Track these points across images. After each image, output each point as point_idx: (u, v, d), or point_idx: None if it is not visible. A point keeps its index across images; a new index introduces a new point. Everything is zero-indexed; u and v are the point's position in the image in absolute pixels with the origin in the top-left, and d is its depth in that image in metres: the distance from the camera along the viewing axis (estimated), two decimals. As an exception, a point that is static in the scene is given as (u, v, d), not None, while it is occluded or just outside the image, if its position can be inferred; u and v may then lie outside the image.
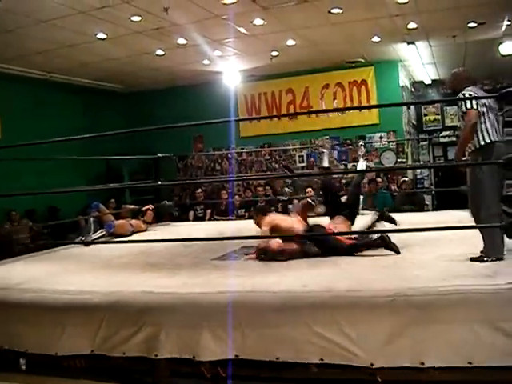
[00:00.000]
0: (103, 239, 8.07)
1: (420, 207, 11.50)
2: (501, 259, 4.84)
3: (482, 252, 4.97)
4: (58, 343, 4.42)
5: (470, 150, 5.11)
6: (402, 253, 5.66)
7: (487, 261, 4.83)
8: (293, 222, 6.83)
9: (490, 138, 4.98)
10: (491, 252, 4.89)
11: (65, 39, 9.98)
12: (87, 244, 7.76)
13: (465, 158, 5.25)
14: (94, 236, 8.07)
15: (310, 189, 11.75)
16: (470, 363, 3.55)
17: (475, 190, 5.05)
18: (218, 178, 15.66)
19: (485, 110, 5.04)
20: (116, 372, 4.44)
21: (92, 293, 4.65)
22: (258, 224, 6.85)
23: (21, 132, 11.07)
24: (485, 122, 5.01)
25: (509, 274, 4.07)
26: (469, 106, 4.95)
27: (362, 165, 8.20)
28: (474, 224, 5.17)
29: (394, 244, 5.69)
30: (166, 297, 4.37)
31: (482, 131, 4.99)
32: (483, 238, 4.96)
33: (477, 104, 4.96)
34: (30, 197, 10.88)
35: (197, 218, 12.54)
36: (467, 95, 5.11)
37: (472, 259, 4.96)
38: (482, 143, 4.99)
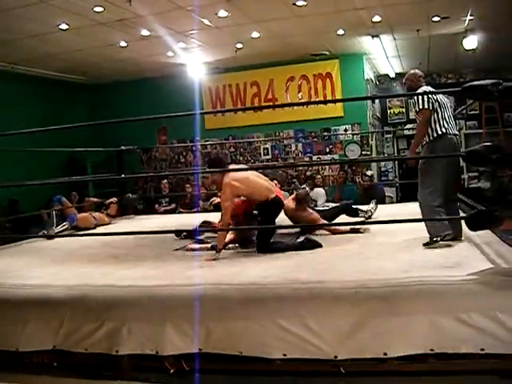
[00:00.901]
0: (66, 232, 7.98)
1: (380, 200, 11.62)
2: (450, 235, 5.26)
3: (429, 237, 5.32)
4: (20, 339, 4.34)
5: (423, 143, 5.55)
6: (366, 244, 5.71)
7: (437, 241, 5.20)
8: None
9: (441, 130, 5.43)
10: (434, 232, 5.27)
11: (26, 29, 9.78)
12: (50, 237, 7.70)
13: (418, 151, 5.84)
14: (57, 229, 7.99)
15: (276, 181, 11.77)
16: (431, 350, 3.58)
17: (422, 178, 5.51)
18: (182, 171, 15.57)
19: (437, 105, 5.48)
20: (79, 367, 4.38)
21: (54, 287, 4.60)
22: None
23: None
24: (437, 116, 5.45)
25: (469, 266, 4.13)
26: (421, 106, 5.42)
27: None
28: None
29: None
30: (128, 290, 4.34)
31: (434, 124, 5.45)
32: (426, 223, 5.42)
33: (428, 103, 5.42)
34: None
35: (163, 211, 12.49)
36: (422, 93, 5.50)
37: (424, 244, 5.29)
38: (435, 135, 5.43)
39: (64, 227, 8.06)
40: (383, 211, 8.38)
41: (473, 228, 4.06)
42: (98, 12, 9.11)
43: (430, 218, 5.37)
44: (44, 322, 4.31)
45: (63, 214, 8.68)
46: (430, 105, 5.43)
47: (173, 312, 4.07)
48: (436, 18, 10.49)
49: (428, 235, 5.37)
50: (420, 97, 5.44)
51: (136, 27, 10.15)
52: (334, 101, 15.03)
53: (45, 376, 4.23)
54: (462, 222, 5.02)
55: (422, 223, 5.45)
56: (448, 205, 5.49)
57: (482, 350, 3.52)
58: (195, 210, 12.12)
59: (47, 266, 5.71)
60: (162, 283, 4.46)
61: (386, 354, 3.65)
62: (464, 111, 15.39)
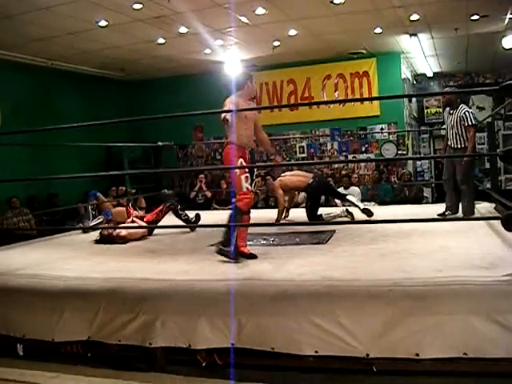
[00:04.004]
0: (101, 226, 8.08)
1: (418, 199, 11.58)
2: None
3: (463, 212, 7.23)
4: (55, 329, 4.42)
5: (460, 146, 7.29)
6: (400, 243, 5.69)
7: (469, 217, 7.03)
8: None
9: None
10: (470, 211, 7.18)
11: (66, 26, 9.93)
12: (86, 230, 7.82)
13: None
14: (92, 223, 8.10)
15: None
16: (465, 354, 3.55)
17: (467, 172, 7.20)
18: (219, 167, 15.63)
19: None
20: (112, 359, 4.44)
21: (90, 279, 4.67)
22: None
23: (21, 119, 11.07)
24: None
25: (505, 267, 4.08)
26: (470, 122, 7.14)
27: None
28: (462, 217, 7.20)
29: None
30: (163, 284, 4.37)
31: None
32: (465, 200, 7.23)
33: (475, 120, 7.30)
34: (30, 184, 10.88)
35: (198, 206, 12.53)
36: (468, 112, 7.23)
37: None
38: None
39: (99, 221, 8.16)
40: (413, 210, 8.38)
41: (509, 228, 4.01)
42: (136, 9, 9.20)
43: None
44: (79, 313, 4.38)
45: (99, 208, 8.79)
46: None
47: (206, 306, 4.09)
48: (475, 17, 10.38)
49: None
50: (470, 114, 7.20)
51: (174, 24, 10.23)
52: (371, 99, 14.94)
53: (79, 366, 4.28)
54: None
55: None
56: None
57: (517, 353, 3.49)
58: (231, 206, 12.15)
59: (83, 259, 5.80)
60: (196, 278, 4.50)
61: (418, 354, 3.62)
62: (502, 111, 15.20)
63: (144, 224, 7.43)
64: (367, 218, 7.45)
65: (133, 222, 7.46)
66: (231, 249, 5.21)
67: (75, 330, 4.37)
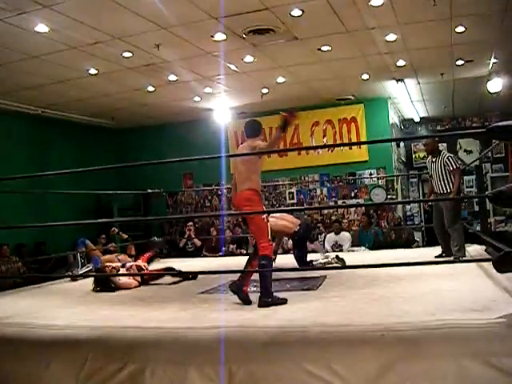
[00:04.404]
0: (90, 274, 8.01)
1: (409, 242, 11.60)
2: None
3: (454, 255, 7.26)
4: (43, 379, 4.31)
5: (446, 191, 7.51)
6: (392, 287, 5.65)
7: (459, 259, 6.91)
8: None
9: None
10: (462, 254, 7.26)
11: (56, 74, 10.02)
12: (74, 279, 7.74)
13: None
14: (81, 271, 8.02)
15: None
16: (460, 399, 3.49)
17: (453, 214, 7.41)
18: (209, 214, 15.63)
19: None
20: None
21: (77, 327, 4.58)
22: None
23: (9, 167, 11.05)
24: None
25: (498, 309, 4.04)
26: (455, 166, 7.49)
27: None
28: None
29: None
30: (151, 332, 4.29)
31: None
32: (454, 244, 7.32)
33: (458, 163, 7.75)
34: (18, 231, 10.79)
35: (187, 254, 12.46)
36: (450, 157, 7.61)
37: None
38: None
39: (88, 269, 8.09)
40: (404, 254, 8.41)
41: (500, 270, 3.99)
42: (126, 57, 9.31)
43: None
44: (66, 363, 4.27)
45: (88, 256, 8.72)
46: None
47: (196, 354, 4.01)
48: (460, 62, 10.57)
49: (458, 281, 5.64)
50: (452, 158, 7.58)
51: (163, 72, 10.35)
52: (359, 143, 15.08)
53: (67, 418, 4.18)
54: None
55: (447, 266, 5.43)
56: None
57: (513, 396, 3.43)
58: (221, 253, 12.13)
59: (71, 307, 5.71)
60: (186, 325, 4.42)
61: (412, 399, 3.56)
62: (489, 154, 15.34)
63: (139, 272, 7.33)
64: (358, 263, 7.41)
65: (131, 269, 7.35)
66: (271, 297, 5.18)
67: (62, 381, 4.26)
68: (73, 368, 4.24)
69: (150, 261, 7.87)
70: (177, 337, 4.18)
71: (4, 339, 4.62)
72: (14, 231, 10.46)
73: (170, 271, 7.29)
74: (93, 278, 6.96)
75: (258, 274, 5.59)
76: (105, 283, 6.74)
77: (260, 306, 5.12)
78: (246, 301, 5.36)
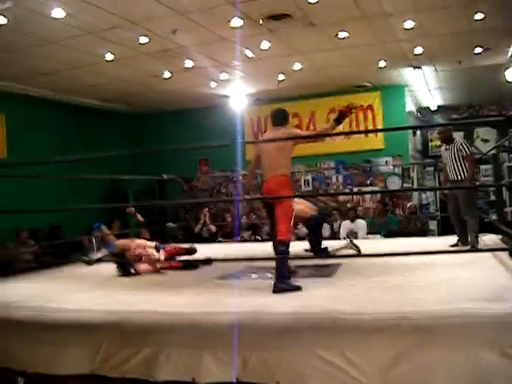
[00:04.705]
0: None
1: (424, 231, 11.57)
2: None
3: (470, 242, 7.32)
4: (57, 362, 4.36)
5: (461, 178, 7.46)
6: (406, 276, 5.63)
7: (474, 246, 7.17)
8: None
9: None
10: (476, 241, 7.24)
11: (72, 60, 10.04)
12: (90, 263, 7.77)
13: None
14: (97, 256, 8.06)
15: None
16: (475, 389, 3.49)
17: (469, 202, 7.41)
18: (223, 199, 15.65)
19: None
20: (116, 393, 4.38)
21: (93, 312, 4.61)
22: None
23: (26, 151, 11.11)
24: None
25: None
26: (468, 151, 7.48)
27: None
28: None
29: None
30: (166, 317, 4.32)
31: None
32: (470, 233, 7.34)
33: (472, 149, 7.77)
34: (34, 216, 10.87)
35: (202, 240, 12.49)
36: (463, 143, 7.60)
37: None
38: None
39: (104, 254, 8.12)
40: (418, 243, 8.42)
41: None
42: (143, 43, 9.29)
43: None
44: (82, 347, 4.33)
45: (103, 241, 8.74)
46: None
47: (211, 339, 4.04)
48: (478, 50, 10.46)
49: (472, 270, 5.63)
50: (466, 145, 7.55)
51: (180, 58, 10.32)
52: (375, 130, 14.99)
53: (81, 401, 4.23)
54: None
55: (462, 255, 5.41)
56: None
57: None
58: (235, 239, 12.15)
59: (87, 291, 5.74)
60: (201, 310, 4.44)
61: (426, 388, 3.57)
62: (506, 143, 15.21)
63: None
64: (373, 252, 7.38)
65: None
66: (286, 282, 5.20)
67: (78, 364, 4.31)
68: (89, 352, 4.30)
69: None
70: (192, 322, 4.21)
71: (19, 322, 4.68)
72: (29, 216, 10.55)
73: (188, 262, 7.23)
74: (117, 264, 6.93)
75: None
76: (126, 268, 6.76)
77: (275, 291, 5.11)
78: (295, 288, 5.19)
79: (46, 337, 4.49)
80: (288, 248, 5.46)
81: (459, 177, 7.47)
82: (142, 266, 6.84)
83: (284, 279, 5.22)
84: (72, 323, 4.48)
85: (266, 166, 5.82)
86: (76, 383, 4.35)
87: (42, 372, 4.41)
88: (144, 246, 7.27)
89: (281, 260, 5.33)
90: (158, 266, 6.98)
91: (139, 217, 9.15)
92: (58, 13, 7.74)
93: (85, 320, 4.48)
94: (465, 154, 7.45)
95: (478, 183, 11.75)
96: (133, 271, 6.72)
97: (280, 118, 6.13)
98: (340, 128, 13.36)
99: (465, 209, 7.39)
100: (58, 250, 11.64)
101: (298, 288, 5.16)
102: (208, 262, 7.15)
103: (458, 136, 7.90)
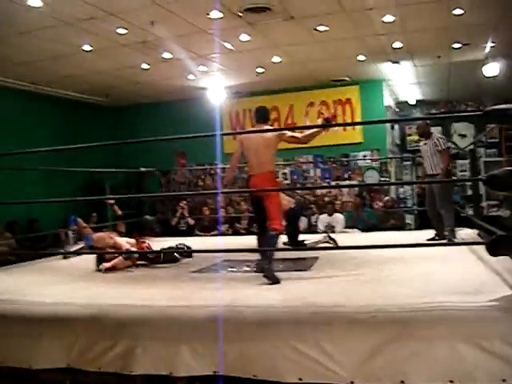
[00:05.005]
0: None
1: (401, 225, 11.63)
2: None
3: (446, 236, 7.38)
4: (33, 356, 4.33)
5: (437, 172, 7.54)
6: (383, 269, 5.66)
7: (450, 240, 7.23)
8: None
9: None
10: (452, 236, 7.33)
11: (50, 50, 9.93)
12: (67, 256, 7.72)
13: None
14: (73, 249, 8.00)
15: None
16: (451, 382, 3.49)
17: (445, 196, 7.48)
18: (203, 192, 15.61)
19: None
20: (92, 387, 4.35)
21: (69, 304, 4.58)
22: None
23: (2, 142, 10.98)
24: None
25: (488, 292, 4.05)
26: (444, 146, 7.58)
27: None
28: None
29: None
30: (143, 310, 4.30)
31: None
32: (446, 224, 7.41)
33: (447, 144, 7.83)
34: (10, 209, 10.76)
35: (180, 233, 12.44)
36: (440, 138, 7.73)
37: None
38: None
39: (80, 247, 8.07)
40: (396, 237, 8.48)
41: (493, 253, 3.99)
42: (121, 34, 9.22)
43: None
44: (58, 340, 4.29)
45: (80, 234, 8.69)
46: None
47: (187, 333, 4.03)
48: (457, 45, 10.52)
49: (449, 264, 5.68)
50: (442, 139, 7.68)
51: (158, 49, 10.26)
52: (353, 124, 15.04)
53: (58, 395, 4.20)
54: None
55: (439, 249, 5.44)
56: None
57: (504, 380, 3.43)
58: (217, 232, 12.13)
59: (63, 284, 5.70)
60: (178, 303, 4.42)
61: (403, 382, 3.56)
62: (483, 139, 15.34)
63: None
64: (350, 244, 7.40)
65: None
66: (271, 268, 5.38)
67: (54, 357, 4.28)
68: (65, 345, 4.28)
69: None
70: (169, 315, 4.19)
71: (-5, 315, 4.63)
72: (6, 208, 10.44)
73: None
74: (95, 257, 6.82)
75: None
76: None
77: (257, 271, 5.61)
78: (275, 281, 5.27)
79: (21, 330, 4.45)
80: (278, 237, 5.83)
81: (435, 170, 7.57)
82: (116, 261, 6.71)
83: (269, 261, 5.42)
84: (48, 316, 4.44)
85: (254, 161, 6.01)
86: (52, 377, 4.32)
87: (18, 366, 4.37)
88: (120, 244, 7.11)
89: (272, 245, 5.64)
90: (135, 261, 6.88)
91: (117, 209, 9.09)
92: (34, 2, 7.65)
93: (61, 313, 4.44)
94: (440, 148, 7.56)
95: (454, 178, 11.86)
96: (107, 265, 6.59)
97: (263, 115, 6.32)
98: (318, 122, 13.49)
99: (440, 203, 7.47)
100: (35, 243, 11.55)
101: (277, 281, 5.19)
102: (188, 253, 7.16)
103: (436, 131, 7.89)
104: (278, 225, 5.80)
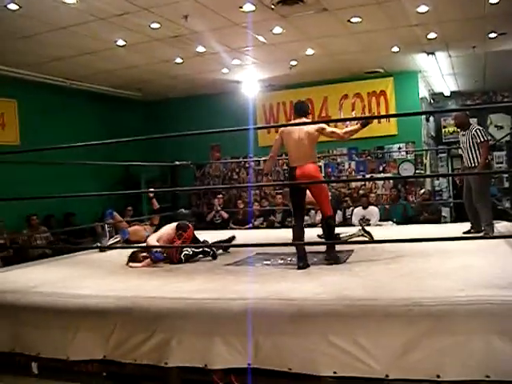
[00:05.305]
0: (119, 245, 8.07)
1: (437, 218, 11.52)
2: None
3: (484, 230, 7.20)
4: (70, 348, 4.39)
5: (475, 164, 7.33)
6: (419, 262, 5.62)
7: (488, 235, 6.95)
8: None
9: None
10: (490, 230, 7.11)
11: (84, 46, 10.04)
12: (103, 249, 7.81)
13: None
14: (110, 242, 8.10)
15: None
16: (487, 377, 3.46)
17: (482, 189, 7.25)
18: (236, 185, 15.65)
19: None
20: (128, 378, 4.40)
21: (105, 297, 4.63)
22: None
23: (39, 138, 11.13)
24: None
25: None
26: (482, 138, 7.27)
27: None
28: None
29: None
30: (178, 302, 4.32)
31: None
32: (483, 219, 7.23)
33: (487, 136, 7.48)
34: (48, 202, 10.90)
35: (215, 226, 12.51)
36: (479, 129, 7.36)
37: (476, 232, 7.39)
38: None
39: (116, 240, 8.16)
40: (431, 230, 8.42)
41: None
42: (154, 28, 9.27)
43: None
44: (94, 332, 4.35)
45: (115, 227, 8.79)
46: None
47: (222, 325, 4.05)
48: (492, 35, 10.36)
49: (486, 257, 5.60)
50: (481, 131, 7.34)
51: (191, 43, 10.29)
52: (388, 116, 14.90)
53: (94, 385, 4.26)
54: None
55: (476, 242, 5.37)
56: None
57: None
58: (248, 226, 12.16)
59: (100, 277, 5.77)
60: (213, 296, 4.44)
61: (438, 376, 3.53)
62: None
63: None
64: (385, 238, 7.35)
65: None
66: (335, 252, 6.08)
67: (90, 349, 4.34)
68: (100, 337, 4.33)
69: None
70: (204, 308, 4.21)
71: (32, 307, 4.72)
72: (43, 203, 10.59)
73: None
74: (129, 253, 6.85)
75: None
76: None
77: (327, 259, 5.97)
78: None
79: (58, 322, 4.52)
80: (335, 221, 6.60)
81: (473, 163, 7.36)
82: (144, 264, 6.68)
83: (334, 249, 6.08)
84: (84, 309, 4.49)
85: (296, 152, 6.17)
86: (89, 368, 4.38)
87: (56, 357, 4.44)
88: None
89: (333, 231, 6.33)
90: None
91: (155, 203, 9.18)
92: (69, -2, 7.73)
93: (97, 306, 4.50)
94: (479, 140, 7.29)
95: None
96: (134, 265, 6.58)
97: (303, 109, 6.41)
98: (353, 114, 13.41)
99: (476, 196, 7.29)
100: (71, 237, 11.71)
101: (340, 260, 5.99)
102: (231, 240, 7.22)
103: (473, 122, 7.69)
104: (330, 211, 6.22)
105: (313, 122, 7.16)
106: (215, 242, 7.47)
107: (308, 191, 6.30)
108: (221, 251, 7.16)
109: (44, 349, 4.50)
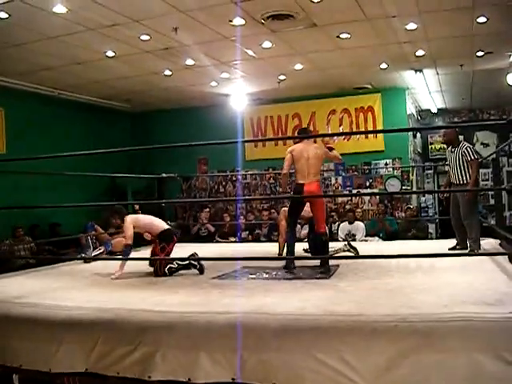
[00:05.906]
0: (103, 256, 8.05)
1: (423, 234, 11.55)
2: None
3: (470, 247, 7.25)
4: (53, 360, 4.33)
5: (463, 182, 7.33)
6: (405, 278, 5.62)
7: (474, 252, 6.98)
8: None
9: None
10: (477, 247, 7.14)
11: (73, 56, 10.02)
12: (87, 261, 7.78)
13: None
14: (94, 253, 8.08)
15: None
16: (471, 393, 3.46)
17: (470, 207, 7.26)
18: (225, 199, 15.63)
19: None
20: (111, 392, 4.35)
21: (89, 309, 4.58)
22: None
23: (26, 147, 11.08)
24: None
25: (510, 304, 4.00)
26: (473, 156, 7.29)
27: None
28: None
29: None
30: (163, 316, 4.28)
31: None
32: (470, 236, 7.25)
33: (477, 154, 7.57)
34: (34, 212, 10.85)
35: (200, 238, 12.48)
36: (469, 147, 7.39)
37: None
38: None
39: (100, 251, 8.15)
40: (417, 246, 8.47)
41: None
42: (144, 40, 9.27)
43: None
44: (77, 344, 4.29)
45: (98, 239, 8.80)
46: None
47: (207, 340, 4.01)
48: (480, 53, 10.46)
49: (472, 274, 5.63)
50: (471, 149, 7.37)
51: (181, 56, 10.31)
52: (375, 131, 14.98)
53: (76, 399, 4.20)
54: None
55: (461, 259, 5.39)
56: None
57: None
58: (237, 239, 12.13)
59: (83, 289, 5.73)
60: (198, 310, 4.40)
61: (423, 392, 3.54)
62: (506, 148, 15.21)
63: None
64: (372, 254, 7.37)
65: None
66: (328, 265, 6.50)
67: (73, 361, 4.28)
68: (84, 349, 4.27)
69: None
70: (188, 321, 4.18)
71: (15, 318, 4.66)
72: (28, 212, 10.53)
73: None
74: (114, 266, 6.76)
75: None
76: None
77: (323, 272, 6.28)
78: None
79: (41, 334, 4.46)
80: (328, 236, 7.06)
81: (461, 181, 7.35)
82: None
83: (328, 263, 6.54)
84: (68, 320, 4.44)
85: (305, 171, 6.79)
86: (71, 381, 4.32)
87: (38, 369, 4.38)
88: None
89: (327, 247, 6.90)
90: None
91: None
92: (59, 8, 7.70)
93: (80, 317, 4.45)
94: (469, 158, 7.29)
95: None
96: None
97: (308, 135, 7.76)
98: (340, 129, 13.45)
99: (464, 213, 7.28)
100: (56, 248, 11.62)
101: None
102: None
103: (461, 139, 7.73)
104: (324, 228, 6.86)
105: (311, 136, 8.44)
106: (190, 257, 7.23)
107: (307, 206, 7.04)
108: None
109: (26, 360, 4.44)
